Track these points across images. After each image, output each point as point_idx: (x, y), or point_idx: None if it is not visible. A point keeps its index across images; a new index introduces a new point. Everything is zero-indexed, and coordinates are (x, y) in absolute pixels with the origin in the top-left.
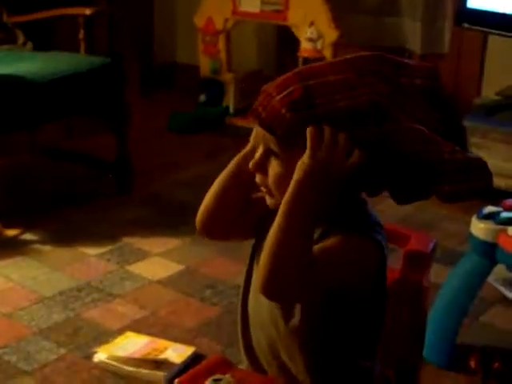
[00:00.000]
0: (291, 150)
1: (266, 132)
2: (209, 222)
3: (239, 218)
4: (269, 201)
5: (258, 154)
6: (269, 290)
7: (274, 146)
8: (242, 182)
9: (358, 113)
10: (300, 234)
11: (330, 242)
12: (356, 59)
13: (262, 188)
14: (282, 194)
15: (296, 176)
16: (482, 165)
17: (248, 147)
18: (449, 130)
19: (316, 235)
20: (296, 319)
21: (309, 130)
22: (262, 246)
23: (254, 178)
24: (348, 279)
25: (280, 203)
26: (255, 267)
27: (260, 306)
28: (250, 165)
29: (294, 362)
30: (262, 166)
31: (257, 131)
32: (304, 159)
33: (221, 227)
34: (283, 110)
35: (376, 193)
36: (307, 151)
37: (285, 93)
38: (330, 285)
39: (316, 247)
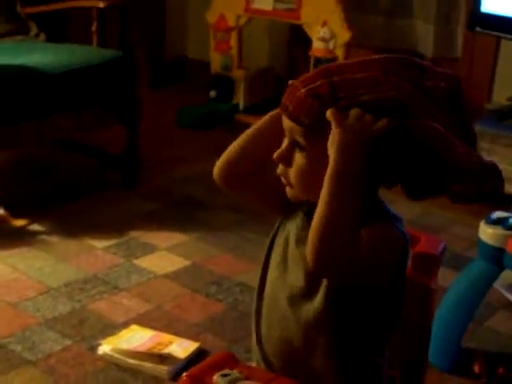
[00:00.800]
0: (317, 142)
1: (293, 124)
2: (227, 169)
3: (259, 177)
4: (289, 192)
5: (283, 146)
6: (322, 264)
7: (300, 139)
8: (267, 138)
9: (381, 107)
10: (347, 203)
11: (371, 227)
12: (382, 59)
13: (283, 179)
14: (302, 187)
15: (332, 152)
16: (496, 171)
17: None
18: (465, 135)
19: None
20: (318, 306)
21: (331, 111)
22: (277, 243)
23: (278, 138)
24: (384, 265)
25: (299, 197)
26: (272, 263)
27: (277, 300)
28: (275, 155)
29: (310, 357)
30: (287, 158)
31: (284, 125)
32: (333, 133)
33: (238, 177)
34: (309, 100)
35: (392, 184)
36: (333, 125)
37: (311, 86)
38: (370, 270)
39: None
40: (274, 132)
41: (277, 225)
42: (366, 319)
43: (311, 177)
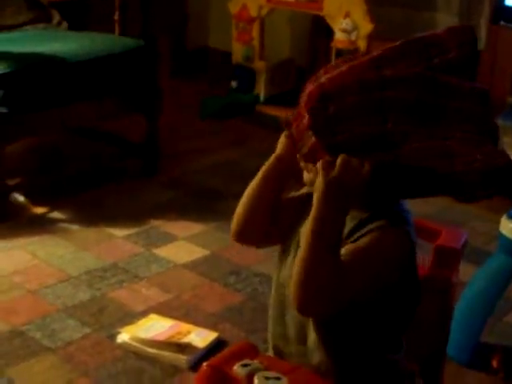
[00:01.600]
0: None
1: None
2: (243, 230)
3: (273, 226)
4: (306, 177)
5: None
6: (303, 306)
7: None
8: (274, 184)
9: (371, 140)
10: (326, 249)
11: (363, 241)
12: (381, 61)
13: (305, 169)
14: None
15: (314, 198)
16: (503, 171)
17: (278, 151)
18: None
19: (352, 225)
20: None
21: (320, 163)
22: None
23: (285, 180)
24: (382, 274)
25: None
26: (285, 263)
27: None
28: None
29: (321, 356)
30: (312, 157)
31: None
32: (318, 182)
33: (256, 234)
34: (309, 133)
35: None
36: (319, 175)
37: (311, 117)
38: (366, 283)
39: (351, 247)
40: (273, 177)
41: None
42: (377, 320)
43: None
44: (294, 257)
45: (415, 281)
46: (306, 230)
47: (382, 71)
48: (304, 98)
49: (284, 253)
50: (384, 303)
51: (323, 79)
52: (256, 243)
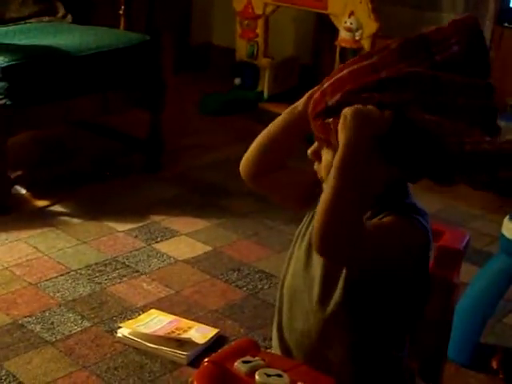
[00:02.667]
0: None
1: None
2: (249, 168)
3: (281, 172)
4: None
5: (315, 144)
6: (322, 246)
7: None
8: (290, 134)
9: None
10: (351, 191)
11: (385, 219)
12: (385, 58)
13: (318, 174)
14: None
15: (339, 137)
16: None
17: (299, 102)
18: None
19: (368, 215)
20: (337, 298)
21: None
22: (303, 235)
23: (301, 133)
24: (397, 258)
25: None
26: (296, 255)
27: (299, 292)
28: (309, 152)
29: (328, 350)
30: (318, 154)
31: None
32: (340, 128)
33: (259, 175)
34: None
35: (414, 178)
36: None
37: (328, 100)
38: (379, 260)
39: (372, 221)
40: (291, 131)
41: (306, 218)
42: (385, 315)
43: None
44: (309, 250)
45: (426, 277)
46: (329, 176)
47: (381, 74)
48: (310, 104)
49: (296, 242)
50: (395, 291)
51: (326, 85)
52: (261, 183)
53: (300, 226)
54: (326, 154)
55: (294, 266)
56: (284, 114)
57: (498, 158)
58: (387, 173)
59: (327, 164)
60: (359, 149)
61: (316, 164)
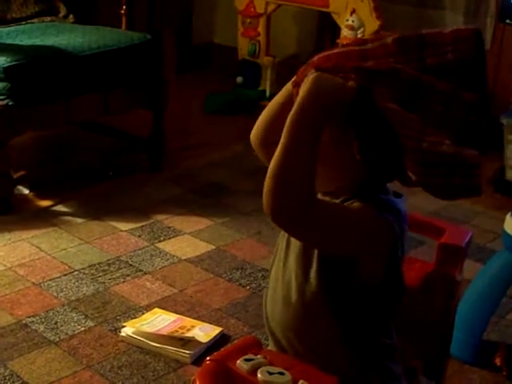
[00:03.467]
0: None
1: None
2: (260, 135)
3: None
4: None
5: None
6: (271, 207)
7: None
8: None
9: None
10: (299, 149)
11: (351, 204)
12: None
13: None
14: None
15: (300, 90)
16: (471, 164)
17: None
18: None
19: (338, 200)
20: (312, 286)
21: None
22: None
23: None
24: (355, 246)
25: (323, 181)
26: (279, 246)
27: (279, 282)
28: None
29: (312, 337)
30: None
31: None
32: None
33: (271, 145)
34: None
35: (405, 180)
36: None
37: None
38: (335, 239)
39: (337, 203)
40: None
41: None
42: (360, 305)
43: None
44: (288, 240)
45: (397, 276)
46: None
47: (367, 63)
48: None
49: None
50: (368, 288)
51: (315, 58)
52: (262, 151)
53: None
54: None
55: (277, 257)
56: (286, 86)
57: (456, 163)
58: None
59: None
60: (309, 110)
61: None
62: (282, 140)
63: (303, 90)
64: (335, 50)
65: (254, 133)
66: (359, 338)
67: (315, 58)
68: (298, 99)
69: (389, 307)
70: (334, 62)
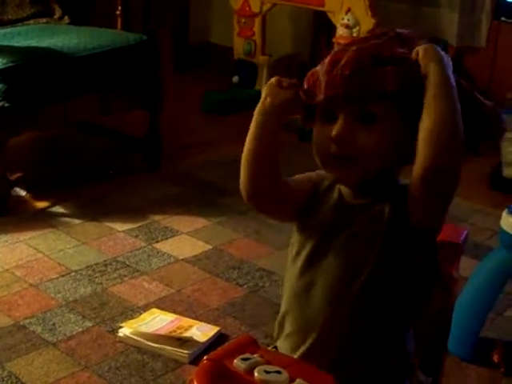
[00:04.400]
0: (390, 109)
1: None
2: (250, 186)
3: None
4: (345, 172)
5: (341, 124)
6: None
7: (376, 108)
8: (270, 134)
9: None
10: (457, 111)
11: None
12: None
13: (337, 159)
14: (379, 161)
15: (431, 67)
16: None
17: (266, 98)
18: None
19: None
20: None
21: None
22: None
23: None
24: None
25: (367, 172)
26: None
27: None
28: (335, 136)
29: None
30: (349, 137)
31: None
32: (426, 49)
33: (269, 191)
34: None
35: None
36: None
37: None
38: None
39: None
40: (271, 130)
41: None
42: (398, 297)
43: (387, 148)
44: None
45: (434, 260)
46: (434, 102)
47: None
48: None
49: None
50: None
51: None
52: (270, 203)
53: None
54: (367, 134)
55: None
56: (255, 121)
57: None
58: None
59: (378, 144)
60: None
61: (341, 146)
62: (444, 103)
63: (435, 58)
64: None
65: (244, 185)
66: (397, 324)
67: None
68: (438, 69)
69: (424, 292)
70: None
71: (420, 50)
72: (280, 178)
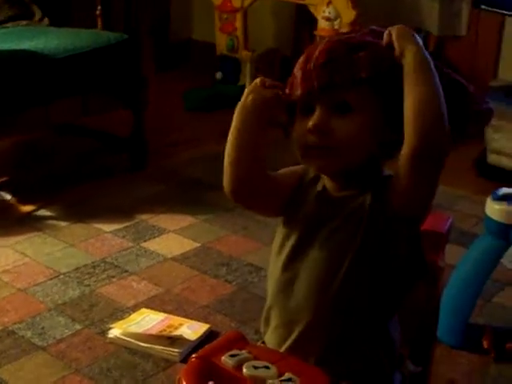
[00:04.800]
0: (365, 98)
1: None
2: (233, 182)
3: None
4: (324, 162)
5: (318, 115)
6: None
7: (349, 98)
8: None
9: None
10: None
11: None
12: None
13: (315, 149)
14: (358, 150)
15: (407, 45)
16: None
17: (248, 95)
18: None
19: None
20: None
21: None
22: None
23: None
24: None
25: (347, 162)
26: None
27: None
28: (312, 127)
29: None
30: (325, 128)
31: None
32: (400, 29)
33: (253, 187)
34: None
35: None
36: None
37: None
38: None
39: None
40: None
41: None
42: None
43: (365, 137)
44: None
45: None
46: (413, 80)
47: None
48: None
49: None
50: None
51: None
52: (255, 199)
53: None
54: (343, 123)
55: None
56: (236, 117)
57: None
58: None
59: (352, 133)
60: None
61: (319, 138)
62: (425, 80)
63: (410, 36)
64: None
65: (227, 181)
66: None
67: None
68: (415, 47)
69: (408, 283)
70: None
71: (392, 31)
72: (264, 174)
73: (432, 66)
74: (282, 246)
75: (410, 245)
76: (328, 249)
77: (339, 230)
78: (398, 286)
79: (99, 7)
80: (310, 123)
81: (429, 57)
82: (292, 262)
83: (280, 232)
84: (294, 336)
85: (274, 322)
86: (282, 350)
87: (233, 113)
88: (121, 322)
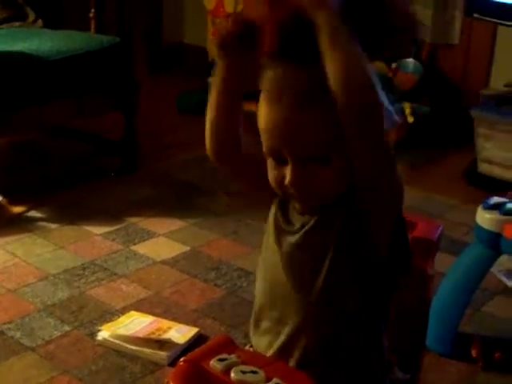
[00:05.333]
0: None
1: None
2: (215, 146)
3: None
4: (305, 204)
5: (292, 170)
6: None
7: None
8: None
9: None
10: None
11: None
12: None
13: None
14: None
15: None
16: None
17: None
18: None
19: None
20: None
21: None
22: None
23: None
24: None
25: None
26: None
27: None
28: (288, 184)
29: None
30: (302, 180)
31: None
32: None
33: (230, 149)
34: None
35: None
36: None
37: None
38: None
39: None
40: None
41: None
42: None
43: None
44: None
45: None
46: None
47: None
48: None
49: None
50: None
51: None
52: (233, 163)
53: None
54: None
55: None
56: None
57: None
58: None
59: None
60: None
61: None
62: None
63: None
64: None
65: (209, 146)
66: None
67: None
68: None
69: (393, 279)
70: None
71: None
72: (241, 139)
73: (345, 33)
74: (266, 246)
75: (393, 235)
76: (304, 251)
77: (312, 233)
78: (383, 281)
79: (93, 10)
80: (286, 180)
81: (340, 24)
82: (275, 263)
83: (265, 231)
84: (281, 340)
85: (261, 325)
86: (270, 353)
87: None
88: (110, 324)
